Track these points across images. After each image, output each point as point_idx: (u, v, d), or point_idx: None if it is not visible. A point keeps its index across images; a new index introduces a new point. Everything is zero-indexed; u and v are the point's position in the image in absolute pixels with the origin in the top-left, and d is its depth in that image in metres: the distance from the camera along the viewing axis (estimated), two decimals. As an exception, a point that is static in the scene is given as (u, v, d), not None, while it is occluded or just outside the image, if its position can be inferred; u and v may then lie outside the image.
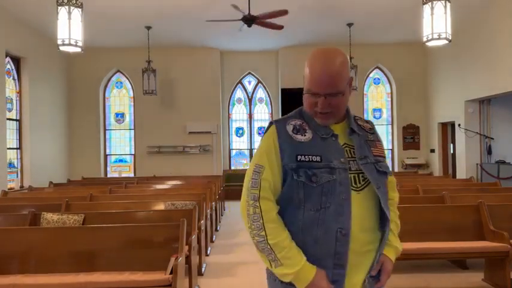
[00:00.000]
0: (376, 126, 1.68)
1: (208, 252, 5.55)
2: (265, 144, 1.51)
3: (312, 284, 1.40)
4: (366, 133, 1.59)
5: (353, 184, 1.44)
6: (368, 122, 1.67)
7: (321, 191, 1.41)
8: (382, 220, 1.51)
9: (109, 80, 11.05)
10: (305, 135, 1.47)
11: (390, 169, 1.63)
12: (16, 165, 8.37)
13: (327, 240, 1.41)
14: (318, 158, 1.43)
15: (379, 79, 11.31)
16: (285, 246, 1.41)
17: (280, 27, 7.18)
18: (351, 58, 9.37)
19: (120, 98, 11.18)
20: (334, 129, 1.52)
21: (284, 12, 6.49)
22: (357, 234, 1.42)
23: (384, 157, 1.60)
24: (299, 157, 1.43)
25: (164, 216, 4.31)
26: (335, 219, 1.40)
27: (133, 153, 11.01)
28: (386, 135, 11.23)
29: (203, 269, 4.74)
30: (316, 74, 1.45)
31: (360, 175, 1.47)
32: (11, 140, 8.18)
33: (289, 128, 1.49)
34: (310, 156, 1.43)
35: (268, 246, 1.42)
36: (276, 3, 7.23)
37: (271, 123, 1.56)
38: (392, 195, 1.65)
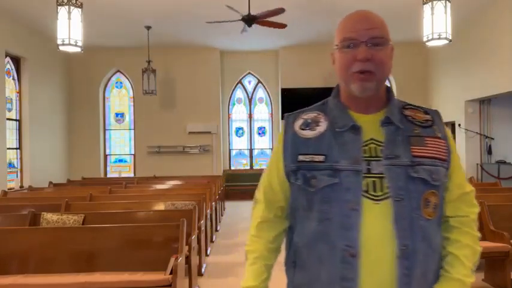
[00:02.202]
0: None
1: (208, 252, 5.55)
2: (276, 142, 1.36)
3: None
4: (413, 126, 1.20)
5: (370, 191, 1.12)
6: (429, 112, 1.26)
7: (322, 198, 1.15)
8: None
9: (109, 80, 11.05)
10: (314, 130, 1.21)
11: (444, 177, 1.18)
12: (16, 165, 8.37)
13: (331, 260, 1.13)
14: (322, 158, 1.16)
15: (379, 79, 11.30)
16: (248, 258, 1.34)
17: (283, 26, 7.16)
18: (351, 58, 9.36)
19: (120, 98, 11.18)
20: (361, 120, 1.20)
21: (280, 10, 6.47)
22: (371, 257, 1.10)
23: (441, 160, 1.17)
24: (300, 157, 1.19)
25: (164, 216, 4.31)
26: (340, 235, 1.11)
27: (133, 153, 11.01)
28: (387, 135, 11.21)
29: (203, 269, 4.74)
30: (352, 20, 1.21)
31: (384, 180, 1.13)
32: (11, 140, 8.18)
33: (298, 122, 1.24)
34: (312, 156, 1.17)
35: (245, 251, 1.37)
36: (276, 3, 7.23)
37: (284, 117, 1.33)
38: (466, 211, 1.22)
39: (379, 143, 1.16)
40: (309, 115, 1.26)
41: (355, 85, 1.17)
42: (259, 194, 1.32)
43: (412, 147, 1.16)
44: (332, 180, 1.14)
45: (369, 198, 1.12)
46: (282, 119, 10.57)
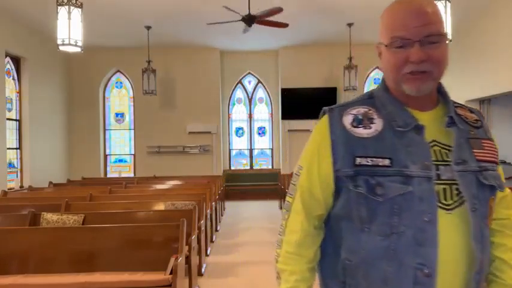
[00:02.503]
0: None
1: (208, 252, 5.55)
2: (313, 140, 1.13)
3: None
4: (469, 126, 1.11)
5: (442, 200, 1.00)
6: (473, 111, 1.18)
7: (391, 209, 0.99)
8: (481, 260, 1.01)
9: (109, 80, 11.04)
10: (370, 128, 1.05)
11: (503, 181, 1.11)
12: (16, 165, 8.37)
13: (400, 280, 0.99)
14: (387, 161, 1.00)
15: (379, 79, 11.31)
16: (287, 280, 1.10)
17: (285, 25, 7.14)
18: (350, 58, 9.37)
19: (120, 98, 11.18)
20: (420, 118, 1.06)
21: (279, 10, 6.48)
22: (447, 275, 0.98)
23: (496, 163, 1.11)
24: (358, 160, 1.02)
25: (164, 216, 4.31)
26: (413, 251, 0.97)
27: (133, 153, 11.01)
28: (387, 135, 11.22)
29: (203, 269, 4.74)
30: (402, 14, 1.03)
31: (454, 187, 1.01)
32: (11, 140, 8.18)
33: (348, 119, 1.07)
34: (374, 159, 1.01)
35: (276, 269, 1.14)
36: (277, 3, 7.22)
37: (324, 112, 1.13)
38: (506, 214, 1.17)
39: (443, 146, 1.04)
40: (358, 110, 1.09)
41: (409, 86, 1.04)
42: (295, 202, 1.12)
43: (473, 151, 1.06)
44: (405, 189, 0.99)
45: (441, 208, 0.99)
46: (282, 118, 10.58)
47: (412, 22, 1.01)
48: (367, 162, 1.01)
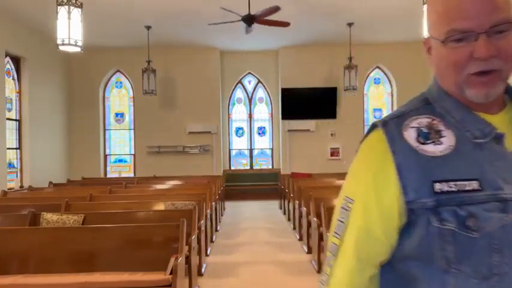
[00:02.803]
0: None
1: (208, 252, 5.55)
2: (364, 164, 0.89)
3: None
4: None
5: None
6: None
7: (489, 245, 0.78)
8: None
9: (109, 80, 11.05)
10: (440, 143, 0.83)
11: None
12: (16, 165, 8.36)
13: None
14: (475, 184, 0.79)
15: (379, 79, 11.32)
16: None
17: (287, 24, 7.12)
18: (350, 58, 9.37)
19: (119, 97, 11.18)
20: (492, 122, 0.85)
21: (276, 9, 6.47)
22: None
23: None
24: (438, 186, 0.80)
25: (164, 216, 4.31)
26: None
27: (133, 153, 11.01)
28: (387, 135, 11.20)
29: (203, 269, 4.74)
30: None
31: None
32: (11, 140, 8.18)
33: (410, 134, 0.84)
34: (457, 182, 0.80)
35: None
36: (276, 3, 7.23)
37: (374, 126, 0.90)
38: None
39: None
40: (419, 121, 0.86)
41: (474, 91, 0.83)
42: (344, 245, 0.87)
43: None
44: (505, 219, 0.78)
45: None
46: (282, 118, 10.57)
47: (475, 8, 0.80)
48: (450, 187, 0.79)
